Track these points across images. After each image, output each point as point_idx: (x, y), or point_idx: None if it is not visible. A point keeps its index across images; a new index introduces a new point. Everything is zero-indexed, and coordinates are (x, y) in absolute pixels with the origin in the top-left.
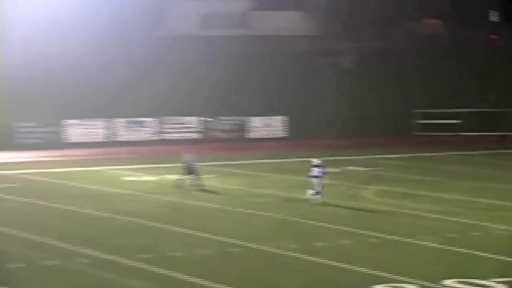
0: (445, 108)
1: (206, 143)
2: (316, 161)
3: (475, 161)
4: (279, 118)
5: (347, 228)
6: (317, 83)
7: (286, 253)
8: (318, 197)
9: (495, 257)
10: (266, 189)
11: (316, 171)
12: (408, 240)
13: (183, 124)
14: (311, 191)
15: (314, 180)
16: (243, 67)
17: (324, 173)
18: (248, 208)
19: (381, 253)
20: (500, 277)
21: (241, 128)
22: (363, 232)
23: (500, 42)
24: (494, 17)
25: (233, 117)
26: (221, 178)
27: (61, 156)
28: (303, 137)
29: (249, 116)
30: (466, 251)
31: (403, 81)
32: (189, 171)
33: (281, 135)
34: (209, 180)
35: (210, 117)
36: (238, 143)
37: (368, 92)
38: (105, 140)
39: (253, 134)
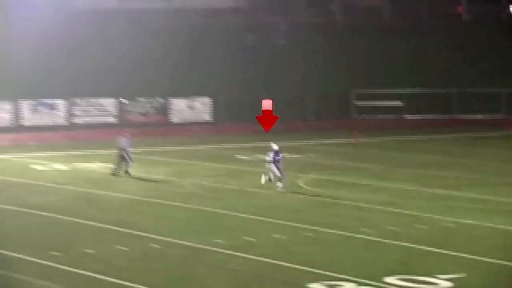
0: (387, 88)
1: (123, 127)
2: (275, 146)
3: (419, 147)
4: (203, 99)
5: (281, 221)
6: (246, 60)
7: (213, 249)
8: (277, 184)
9: (441, 251)
10: (192, 178)
11: (273, 156)
12: (347, 233)
13: (97, 106)
14: (279, 184)
15: (272, 166)
16: (164, 44)
17: (278, 158)
18: (172, 200)
19: (318, 249)
20: (445, 273)
21: (162, 111)
22: (299, 225)
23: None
24: None
25: (152, 99)
26: (142, 166)
27: None
28: (229, 121)
29: (171, 97)
30: (410, 245)
31: (341, 59)
32: (123, 157)
33: (206, 119)
34: (129, 169)
35: (127, 99)
36: (159, 127)
37: (302, 71)
38: (10, 125)
39: (175, 118)
